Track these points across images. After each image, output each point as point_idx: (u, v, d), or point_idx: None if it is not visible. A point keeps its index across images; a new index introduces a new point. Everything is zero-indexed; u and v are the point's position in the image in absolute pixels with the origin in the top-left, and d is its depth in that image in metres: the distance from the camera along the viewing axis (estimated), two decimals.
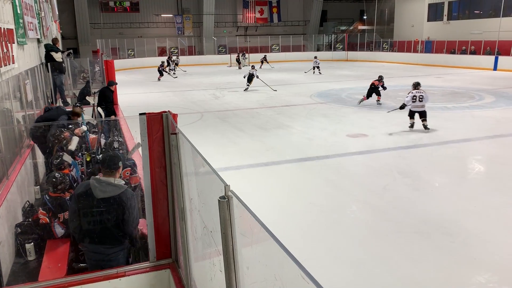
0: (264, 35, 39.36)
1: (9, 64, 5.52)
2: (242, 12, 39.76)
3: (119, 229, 3.08)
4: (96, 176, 3.23)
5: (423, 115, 9.65)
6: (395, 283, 3.82)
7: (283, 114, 12.15)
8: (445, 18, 32.21)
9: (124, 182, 3.26)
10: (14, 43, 6.06)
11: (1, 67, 5.07)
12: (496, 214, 5.20)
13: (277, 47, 38.28)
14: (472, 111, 12.06)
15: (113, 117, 8.61)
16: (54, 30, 15.15)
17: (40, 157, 5.99)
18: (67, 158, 4.60)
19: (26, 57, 7.61)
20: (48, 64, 9.56)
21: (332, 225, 5.02)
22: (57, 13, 17.63)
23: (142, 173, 2.92)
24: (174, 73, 24.86)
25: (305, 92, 16.65)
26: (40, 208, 4.09)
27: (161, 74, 23.03)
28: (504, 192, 5.90)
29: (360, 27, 42.14)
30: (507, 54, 24.59)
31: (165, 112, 2.78)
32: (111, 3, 35.69)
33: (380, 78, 12.70)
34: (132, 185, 4.38)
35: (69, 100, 10.62)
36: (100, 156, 4.92)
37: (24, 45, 7.24)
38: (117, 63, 23.72)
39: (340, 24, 44.44)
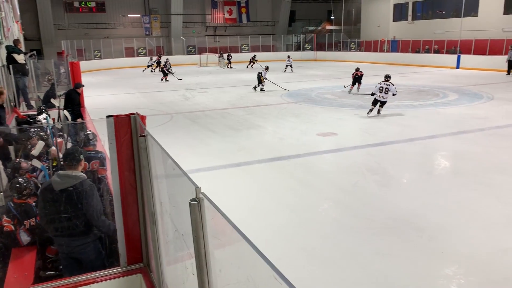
0: (233, 35, 39.34)
1: None
2: (211, 12, 39.58)
3: (81, 219, 3.11)
4: (59, 171, 3.29)
5: (382, 104, 11.32)
6: (366, 278, 3.89)
7: (254, 114, 12.17)
8: (409, 18, 33.07)
9: (83, 174, 3.26)
10: None
11: None
12: (461, 208, 5.38)
13: (247, 47, 38.35)
14: (437, 108, 12.43)
15: (79, 120, 8.40)
16: (15, 31, 14.63)
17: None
18: (36, 163, 4.46)
19: None
20: (10, 66, 9.23)
21: (304, 224, 5.07)
22: (18, 13, 17.02)
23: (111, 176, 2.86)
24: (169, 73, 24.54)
25: (275, 92, 16.73)
26: (4, 216, 3.94)
27: (165, 74, 22.49)
28: (468, 186, 6.11)
29: (328, 27, 42.71)
30: (469, 52, 25.46)
31: (133, 114, 2.73)
32: (76, 3, 34.77)
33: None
34: (99, 176, 4.36)
35: (33, 103, 10.28)
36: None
37: None
38: (83, 64, 23.17)
39: (309, 24, 44.92)
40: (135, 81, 22.63)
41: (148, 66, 28.53)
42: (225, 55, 31.99)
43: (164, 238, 2.34)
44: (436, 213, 5.24)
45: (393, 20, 34.61)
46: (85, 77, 16.49)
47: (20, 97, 9.70)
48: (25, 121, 7.44)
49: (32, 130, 5.38)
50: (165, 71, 22.40)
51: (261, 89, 17.53)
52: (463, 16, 26.29)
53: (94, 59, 32.63)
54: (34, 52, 12.53)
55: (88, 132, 5.11)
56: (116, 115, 2.72)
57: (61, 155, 5.11)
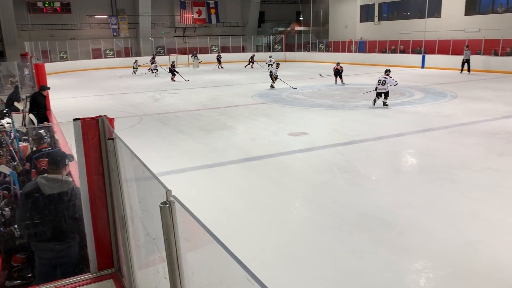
0: (203, 36, 39.14)
1: None
2: (180, 12, 39.26)
3: (69, 224, 3.10)
4: (44, 175, 3.21)
5: (386, 95, 12.64)
6: (338, 275, 3.95)
7: (226, 115, 12.15)
8: (376, 19, 33.78)
9: (72, 179, 3.22)
10: None
11: None
12: (428, 203, 5.53)
13: (217, 48, 38.22)
14: (404, 107, 12.74)
15: (46, 123, 8.17)
16: None
17: None
18: (4, 169, 4.31)
19: None
20: None
21: (276, 223, 5.10)
22: None
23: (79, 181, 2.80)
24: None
25: (246, 93, 16.76)
26: None
27: (173, 75, 22.05)
28: (434, 183, 6.29)
29: (297, 28, 43.12)
30: (433, 52, 26.25)
31: (100, 116, 2.68)
32: (40, 4, 33.69)
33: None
34: None
35: None
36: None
37: None
38: (49, 66, 22.57)
39: (278, 25, 45.21)
40: (103, 83, 22.18)
41: (134, 68, 27.33)
42: (199, 56, 31.90)
43: (135, 242, 2.31)
44: (405, 209, 5.37)
45: (360, 21, 35.27)
46: (50, 79, 16.05)
47: None
48: None
49: None
50: (173, 71, 21.93)
51: (271, 86, 17.90)
52: (427, 17, 27.09)
53: (60, 61, 31.78)
54: None
55: (40, 130, 4.98)
56: (83, 118, 2.67)
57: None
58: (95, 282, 2.83)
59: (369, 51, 31.44)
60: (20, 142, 5.41)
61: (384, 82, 12.48)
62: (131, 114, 12.66)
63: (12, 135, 5.44)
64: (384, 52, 30.28)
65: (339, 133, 9.53)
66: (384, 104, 12.72)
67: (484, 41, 23.81)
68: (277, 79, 17.91)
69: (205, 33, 40.09)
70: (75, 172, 4.29)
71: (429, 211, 5.30)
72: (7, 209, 3.75)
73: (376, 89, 12.80)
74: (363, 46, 32.66)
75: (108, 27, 36.72)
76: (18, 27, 32.41)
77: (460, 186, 6.09)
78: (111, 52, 34.78)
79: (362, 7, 34.88)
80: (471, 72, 21.90)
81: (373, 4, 33.69)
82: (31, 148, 5.26)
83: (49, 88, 9.02)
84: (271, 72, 18.14)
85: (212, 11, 40.20)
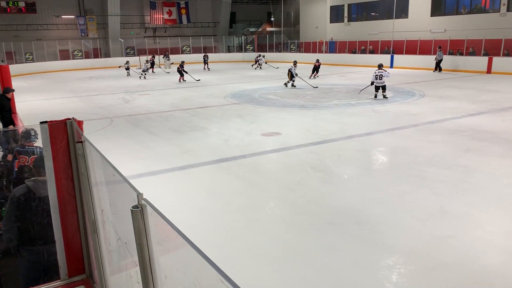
0: (173, 37, 38.79)
1: None
2: (150, 13, 38.78)
3: (47, 229, 3.02)
4: (32, 178, 3.17)
5: (383, 88, 13.86)
6: (312, 274, 3.98)
7: (198, 116, 12.07)
8: (345, 19, 34.30)
9: None
10: None
11: None
12: (398, 200, 5.65)
13: (188, 49, 37.95)
14: (374, 106, 12.99)
15: (11, 127, 7.91)
16: None
17: None
18: None
19: None
20: None
21: (251, 223, 5.10)
22: None
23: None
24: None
25: (218, 93, 16.70)
26: None
27: (182, 75, 21.42)
28: (404, 180, 6.44)
29: (269, 28, 43.30)
30: (401, 52, 26.89)
31: (69, 119, 2.62)
32: (3, 3, 32.56)
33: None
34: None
35: None
36: None
37: None
38: (14, 68, 21.86)
39: (249, 25, 45.30)
40: (71, 85, 21.66)
41: (127, 69, 26.10)
42: (171, 57, 31.52)
43: (106, 247, 2.26)
44: (376, 206, 5.47)
45: (330, 22, 35.74)
46: (16, 82, 15.56)
47: None
48: None
49: None
50: (182, 72, 21.36)
51: (292, 85, 17.96)
52: (395, 18, 27.72)
53: (26, 62, 30.88)
54: None
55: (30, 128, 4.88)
56: (51, 121, 2.60)
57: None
58: None
59: (339, 52, 31.91)
60: None
61: (381, 76, 13.77)
62: (101, 116, 12.41)
63: None
64: (354, 52, 30.79)
65: (311, 133, 9.63)
66: (384, 96, 13.88)
67: (449, 41, 24.56)
68: (296, 77, 18.07)
69: (176, 34, 39.75)
70: None
71: (400, 207, 5.42)
72: None
73: (372, 84, 14.01)
74: (333, 47, 33.12)
75: (76, 27, 35.90)
76: None
77: (428, 183, 6.25)
78: (80, 53, 34.02)
79: (332, 8, 35.35)
80: (442, 71, 22.69)
81: (343, 5, 34.20)
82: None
83: (13, 90, 8.74)
84: (290, 70, 18.22)
85: (183, 11, 39.90)
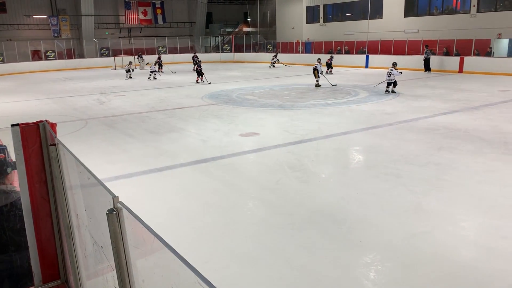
0: (149, 37, 38.39)
1: None
2: (125, 13, 38.27)
3: (20, 235, 2.89)
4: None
5: (394, 84, 15.36)
6: (291, 273, 4.00)
7: (175, 117, 11.98)
8: (321, 20, 34.64)
9: (16, 188, 3.04)
10: None
11: None
12: (375, 198, 5.74)
13: (164, 49, 37.61)
14: (350, 106, 13.15)
15: None
16: None
17: None
18: None
19: None
20: None
21: (230, 224, 5.09)
22: None
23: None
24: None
25: (196, 94, 16.61)
26: None
27: (200, 75, 20.56)
28: (380, 178, 6.54)
29: (245, 29, 43.35)
30: (376, 53, 27.33)
31: (41, 121, 2.55)
32: None
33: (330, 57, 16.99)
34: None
35: None
36: None
37: None
38: None
39: (226, 26, 45.22)
40: (44, 86, 21.17)
41: (129, 71, 24.06)
42: (144, 57, 31.20)
43: (82, 252, 2.22)
44: (353, 205, 5.54)
45: (306, 22, 36.03)
46: None
47: None
48: None
49: None
50: (200, 71, 20.54)
51: (317, 85, 17.95)
52: (370, 19, 28.14)
53: None
54: None
55: None
56: (23, 124, 2.53)
57: None
58: None
59: (316, 52, 32.18)
60: None
61: (390, 73, 15.22)
62: (75, 118, 12.17)
63: None
64: (330, 52, 31.09)
65: (289, 133, 9.68)
66: (393, 91, 15.35)
67: (422, 42, 25.08)
68: (322, 75, 18.27)
69: (151, 34, 39.37)
70: (16, 181, 4.07)
71: (376, 205, 5.50)
72: None
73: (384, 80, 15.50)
74: (309, 47, 33.40)
75: (48, 27, 35.13)
76: None
77: (404, 181, 6.37)
78: (52, 54, 33.26)
79: (307, 8, 35.65)
80: (431, 71, 22.93)
81: (318, 6, 34.53)
82: None
83: None
84: (315, 68, 18.24)
85: (158, 11, 39.54)
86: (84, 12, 34.72)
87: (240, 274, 4.02)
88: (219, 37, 42.55)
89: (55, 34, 35.10)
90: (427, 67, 23.17)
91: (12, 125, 2.48)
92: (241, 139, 9.23)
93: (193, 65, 28.39)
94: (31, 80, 24.77)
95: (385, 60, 25.99)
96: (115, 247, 1.31)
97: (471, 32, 23.16)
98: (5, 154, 3.66)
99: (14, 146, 2.52)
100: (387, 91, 15.57)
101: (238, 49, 38.47)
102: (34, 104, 15.40)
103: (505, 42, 23.31)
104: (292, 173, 6.90)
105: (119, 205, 1.27)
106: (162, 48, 37.60)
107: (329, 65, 23.44)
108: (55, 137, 2.35)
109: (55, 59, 32.94)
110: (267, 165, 7.43)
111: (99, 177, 1.52)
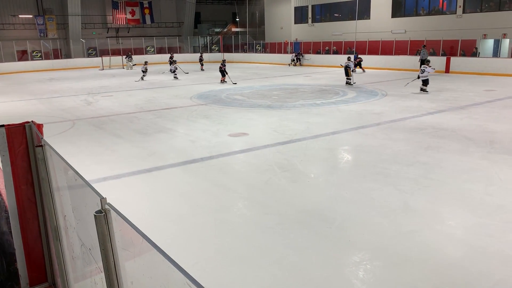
0: (137, 37, 38.14)
1: None
2: (112, 13, 37.97)
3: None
4: None
5: (425, 83, 15.23)
6: (281, 272, 4.01)
7: (164, 117, 11.92)
8: (309, 20, 34.77)
9: None
10: None
11: None
12: (364, 197, 5.78)
13: (152, 49, 37.41)
14: (338, 106, 13.22)
15: None
16: None
17: None
18: None
19: None
20: None
21: (219, 225, 5.08)
22: None
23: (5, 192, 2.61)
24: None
25: (184, 94, 16.55)
26: None
27: (224, 75, 20.12)
28: (369, 177, 6.58)
29: (234, 29, 43.31)
30: (363, 53, 27.49)
31: (28, 122, 2.52)
32: None
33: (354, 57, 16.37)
34: None
35: None
36: None
37: None
38: None
39: (214, 26, 45.14)
40: (30, 87, 20.90)
41: (143, 71, 22.78)
42: (134, 57, 31.03)
43: (70, 254, 2.19)
44: (342, 204, 5.57)
45: (295, 23, 36.14)
46: None
47: None
48: None
49: None
50: (224, 72, 20.06)
51: (349, 83, 18.10)
52: (357, 19, 28.33)
53: None
54: None
55: None
56: (8, 125, 2.50)
57: None
58: None
59: (304, 52, 32.29)
60: None
61: (423, 71, 15.12)
62: (62, 119, 12.04)
63: None
64: (319, 53, 31.24)
65: (278, 133, 9.69)
66: (424, 90, 15.27)
67: (409, 42, 25.32)
68: (352, 71, 18.50)
69: (139, 34, 39.13)
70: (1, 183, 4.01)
71: (365, 205, 5.54)
72: None
73: (418, 77, 15.35)
74: (298, 47, 33.48)
75: (34, 27, 34.70)
76: None
77: (392, 180, 6.42)
78: (39, 54, 32.86)
79: (296, 8, 35.75)
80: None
81: (307, 6, 34.65)
82: None
83: None
84: (348, 67, 18.29)
85: (146, 11, 39.32)
86: (71, 11, 34.38)
87: (229, 274, 4.01)
88: (208, 37, 42.45)
89: (42, 34, 34.69)
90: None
91: None
92: (230, 139, 9.22)
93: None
94: (17, 81, 24.45)
95: (373, 60, 26.21)
96: (103, 249, 1.30)
97: (457, 33, 23.45)
98: None
99: None
100: (422, 89, 15.40)
101: (227, 49, 38.42)
102: (20, 104, 15.20)
103: (490, 42, 23.66)
104: (282, 173, 6.92)
105: (107, 206, 1.26)
106: (150, 48, 37.40)
107: (359, 63, 24.06)
108: (42, 138, 2.32)
109: (42, 59, 32.55)
110: (256, 165, 7.43)
111: (86, 178, 1.51)
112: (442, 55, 23.63)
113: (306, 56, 30.55)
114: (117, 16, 38.10)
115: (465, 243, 4.47)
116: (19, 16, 34.47)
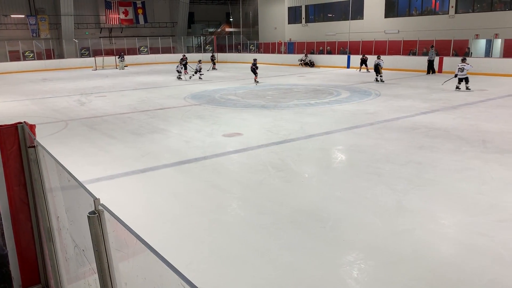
0: (130, 37, 38.00)
1: None
2: (105, 13, 37.80)
3: None
4: None
5: (466, 80, 15.07)
6: (275, 272, 4.01)
7: (158, 117, 11.88)
8: (303, 20, 34.83)
9: None
10: None
11: None
12: (357, 197, 5.80)
13: (146, 49, 37.28)
14: (332, 106, 13.25)
15: None
16: None
17: None
18: None
19: None
20: None
21: (213, 225, 5.07)
22: None
23: None
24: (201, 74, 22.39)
25: (178, 94, 16.51)
26: None
27: (256, 74, 19.91)
28: (362, 177, 6.61)
29: (228, 29, 43.28)
30: (357, 53, 27.58)
31: (20, 123, 2.50)
32: None
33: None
34: None
35: None
36: None
37: None
38: None
39: (208, 26, 45.08)
40: (23, 87, 20.75)
41: (179, 72, 22.83)
42: (126, 57, 30.94)
43: (63, 255, 2.18)
44: (336, 204, 5.59)
45: (288, 23, 36.18)
46: None
47: None
48: None
49: None
50: (255, 70, 19.87)
51: (381, 80, 18.68)
52: (351, 19, 28.41)
53: None
54: None
55: None
56: (0, 125, 2.48)
57: None
58: None
59: (298, 52, 32.35)
60: None
61: (462, 69, 15.02)
62: (55, 120, 11.97)
63: None
64: (312, 53, 31.29)
65: (272, 133, 9.70)
66: (467, 88, 15.11)
67: (402, 42, 25.44)
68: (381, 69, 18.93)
69: (132, 34, 38.98)
70: None
71: (359, 204, 5.56)
72: None
73: (456, 76, 15.24)
74: (292, 47, 33.54)
75: (27, 27, 34.45)
76: None
77: (385, 179, 6.45)
78: (31, 54, 32.63)
79: (289, 9, 35.80)
80: (436, 72, 22.22)
81: (300, 6, 34.70)
82: None
83: None
84: (378, 64, 18.85)
85: (140, 11, 39.18)
86: (64, 11, 34.17)
87: (223, 274, 4.01)
88: (201, 37, 42.38)
89: (34, 34, 34.46)
90: (431, 69, 22.13)
91: None
92: (224, 140, 9.22)
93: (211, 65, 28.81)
94: (9, 81, 24.27)
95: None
96: (96, 250, 1.30)
97: (450, 33, 23.59)
98: None
99: None
100: (458, 88, 15.33)
101: (221, 49, 38.38)
102: (12, 105, 15.09)
103: (482, 42, 23.82)
104: (276, 173, 6.92)
105: (100, 207, 1.26)
106: (143, 48, 37.28)
107: (364, 61, 24.18)
108: (34, 139, 2.31)
109: (34, 59, 32.34)
110: (250, 165, 7.43)
111: (79, 179, 1.50)
112: (436, 55, 23.74)
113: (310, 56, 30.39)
114: (110, 16, 37.94)
115: (458, 242, 4.50)
116: (11, 16, 34.22)
